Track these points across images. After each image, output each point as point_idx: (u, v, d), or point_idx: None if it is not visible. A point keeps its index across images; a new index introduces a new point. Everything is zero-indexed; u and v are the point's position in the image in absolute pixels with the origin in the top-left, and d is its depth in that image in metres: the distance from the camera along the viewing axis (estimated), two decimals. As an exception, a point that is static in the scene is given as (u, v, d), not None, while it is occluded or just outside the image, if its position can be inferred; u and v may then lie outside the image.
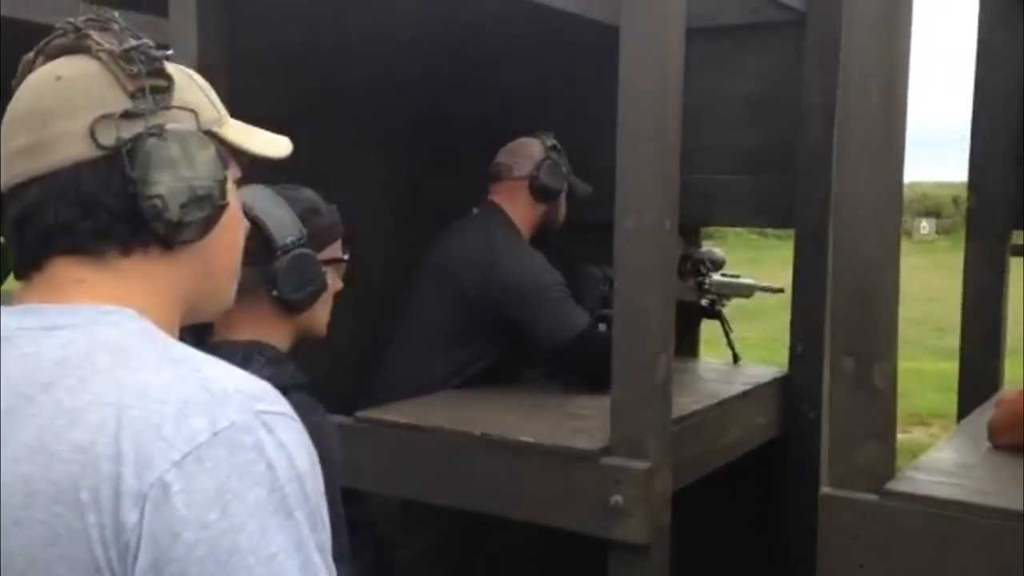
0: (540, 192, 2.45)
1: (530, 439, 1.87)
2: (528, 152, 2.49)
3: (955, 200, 23.28)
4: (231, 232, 0.84)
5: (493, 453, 1.90)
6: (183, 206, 0.76)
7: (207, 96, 0.83)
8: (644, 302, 1.77)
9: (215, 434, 0.65)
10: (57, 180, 0.74)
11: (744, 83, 2.79)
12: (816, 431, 2.74)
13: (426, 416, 2.04)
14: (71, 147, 0.74)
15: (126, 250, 0.76)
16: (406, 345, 2.39)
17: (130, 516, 0.63)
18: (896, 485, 1.55)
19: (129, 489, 0.63)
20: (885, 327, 1.58)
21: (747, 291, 2.85)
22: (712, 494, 2.63)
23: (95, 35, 0.77)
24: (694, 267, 2.68)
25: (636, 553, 1.77)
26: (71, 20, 0.79)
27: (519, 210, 2.46)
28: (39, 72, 0.79)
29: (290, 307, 1.32)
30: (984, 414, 1.95)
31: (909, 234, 23.26)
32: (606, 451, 1.80)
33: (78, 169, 0.74)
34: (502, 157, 2.53)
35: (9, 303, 0.77)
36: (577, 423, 2.01)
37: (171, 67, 0.79)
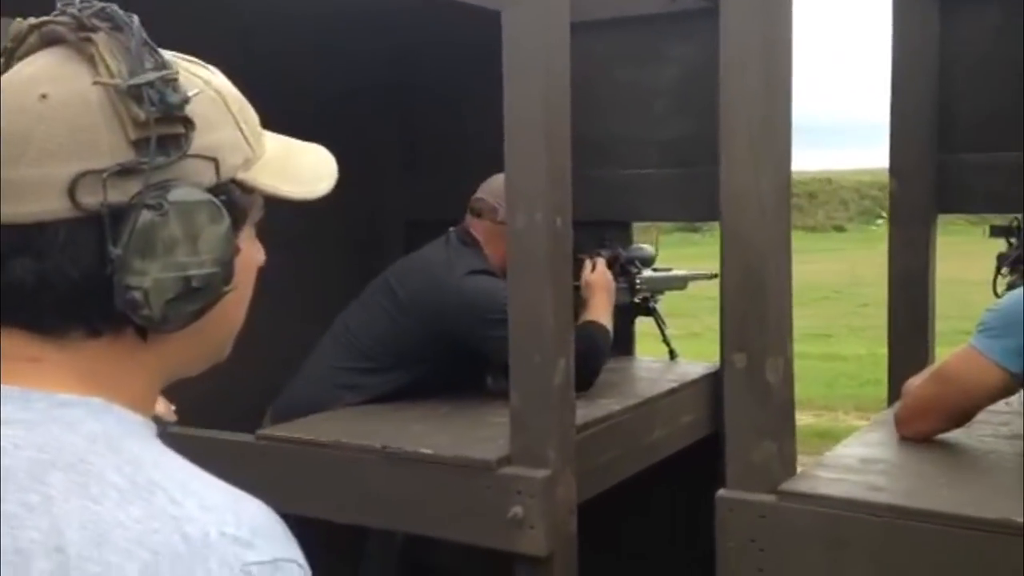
0: None
1: (429, 451, 1.81)
2: None
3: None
4: (239, 291, 0.66)
5: (394, 467, 1.83)
6: (169, 302, 0.59)
7: (239, 125, 0.65)
8: (538, 304, 1.70)
9: None
10: (17, 235, 0.57)
11: (666, 74, 2.73)
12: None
13: (329, 431, 1.97)
14: (41, 199, 0.57)
15: (93, 332, 0.60)
16: (330, 354, 2.31)
17: None
18: (792, 484, 1.49)
19: None
20: (777, 321, 1.52)
21: (680, 283, 2.80)
22: (647, 494, 2.58)
23: (102, 43, 0.59)
24: (624, 267, 2.63)
25: (539, 564, 1.71)
26: (72, 7, 0.60)
27: (495, 249, 2.25)
28: (18, 77, 0.59)
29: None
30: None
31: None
32: (506, 461, 1.74)
33: (44, 228, 0.57)
34: (485, 194, 2.31)
35: None
36: (486, 432, 1.94)
37: (197, 101, 0.62)
